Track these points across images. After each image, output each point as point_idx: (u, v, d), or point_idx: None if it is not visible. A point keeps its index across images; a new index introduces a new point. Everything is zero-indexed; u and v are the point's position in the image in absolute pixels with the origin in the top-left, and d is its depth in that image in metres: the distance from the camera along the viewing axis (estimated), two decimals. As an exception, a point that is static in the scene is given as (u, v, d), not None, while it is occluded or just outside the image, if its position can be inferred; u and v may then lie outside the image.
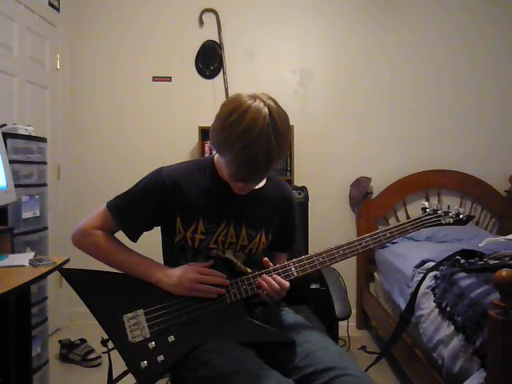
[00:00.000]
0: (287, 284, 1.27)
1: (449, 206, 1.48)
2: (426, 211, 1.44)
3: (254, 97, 1.17)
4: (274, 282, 1.25)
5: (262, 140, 1.12)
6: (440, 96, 3.46)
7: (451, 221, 1.44)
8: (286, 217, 1.47)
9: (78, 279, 1.31)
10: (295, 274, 1.29)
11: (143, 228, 1.37)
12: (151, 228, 1.39)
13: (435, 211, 1.44)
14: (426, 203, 1.46)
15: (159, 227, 1.42)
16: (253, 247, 1.37)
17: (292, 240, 1.53)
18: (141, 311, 1.26)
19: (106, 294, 1.29)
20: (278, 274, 1.28)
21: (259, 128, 1.12)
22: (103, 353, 1.29)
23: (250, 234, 1.36)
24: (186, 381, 1.21)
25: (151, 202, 1.32)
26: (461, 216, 1.45)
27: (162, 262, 1.41)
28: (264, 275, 1.27)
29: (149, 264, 1.33)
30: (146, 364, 1.19)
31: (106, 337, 1.27)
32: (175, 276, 1.28)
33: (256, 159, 1.13)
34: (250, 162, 1.14)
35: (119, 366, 1.26)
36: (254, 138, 1.12)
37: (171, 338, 1.22)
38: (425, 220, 1.41)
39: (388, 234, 1.35)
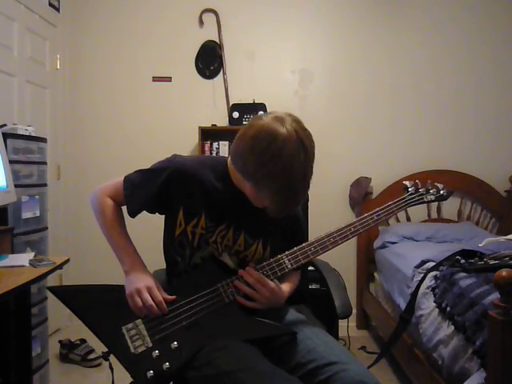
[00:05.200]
0: (269, 283, 1.26)
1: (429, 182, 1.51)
2: (408, 191, 1.46)
3: (281, 121, 1.15)
4: (251, 277, 1.26)
5: (301, 175, 1.15)
6: (440, 96, 3.46)
7: (433, 198, 1.47)
8: (291, 228, 1.46)
9: (70, 296, 1.29)
10: (289, 266, 1.29)
11: (143, 207, 1.39)
12: (153, 211, 1.41)
13: (417, 190, 1.46)
14: (408, 182, 1.48)
15: (163, 221, 1.43)
16: (248, 255, 1.37)
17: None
18: (139, 321, 1.25)
19: (101, 307, 1.27)
20: (272, 268, 1.29)
21: (298, 165, 1.13)
22: (102, 356, 1.28)
23: (247, 240, 1.36)
24: (190, 381, 1.20)
25: (156, 183, 1.33)
26: (441, 192, 1.48)
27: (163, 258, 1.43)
28: (240, 271, 1.28)
29: (130, 253, 1.36)
30: (152, 373, 1.18)
31: (105, 349, 1.26)
32: (135, 276, 1.29)
33: (297, 193, 1.17)
34: (293, 198, 1.18)
35: (121, 370, 1.24)
36: (294, 176, 1.14)
37: (174, 344, 1.21)
38: (408, 199, 1.44)
39: (375, 217, 1.38)
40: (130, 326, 1.24)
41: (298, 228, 1.49)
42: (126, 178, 1.40)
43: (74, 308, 1.27)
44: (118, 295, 1.28)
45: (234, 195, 1.33)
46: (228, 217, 1.34)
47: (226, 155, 1.40)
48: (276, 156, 1.12)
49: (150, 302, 1.24)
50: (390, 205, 1.40)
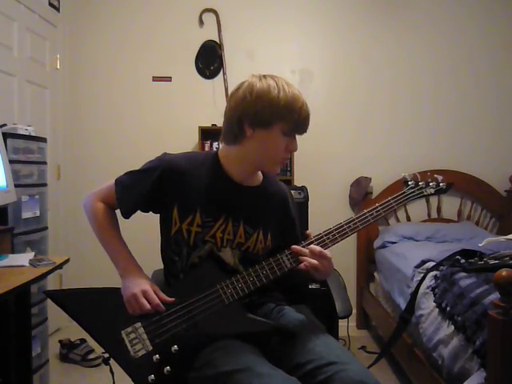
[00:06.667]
0: (328, 254, 1.27)
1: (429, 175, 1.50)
2: (408, 184, 1.44)
3: (261, 75, 1.46)
4: (306, 250, 1.26)
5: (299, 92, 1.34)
6: (440, 96, 3.46)
7: (432, 191, 1.45)
8: (285, 218, 1.46)
9: (67, 301, 1.28)
10: (288, 265, 1.28)
11: (135, 207, 1.39)
12: (146, 210, 1.41)
13: (417, 183, 1.44)
14: (407, 175, 1.46)
15: (159, 220, 1.42)
16: (250, 245, 1.36)
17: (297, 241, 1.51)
18: (139, 324, 1.24)
19: (100, 311, 1.26)
20: (271, 268, 1.28)
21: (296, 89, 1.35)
22: (102, 361, 1.27)
23: (247, 231, 1.36)
24: (190, 381, 1.20)
25: (147, 182, 1.34)
26: (441, 185, 1.46)
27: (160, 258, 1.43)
28: (294, 246, 1.27)
29: (124, 256, 1.35)
30: (153, 378, 1.17)
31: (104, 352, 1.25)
32: (130, 280, 1.29)
33: (306, 105, 1.33)
34: (307, 110, 1.32)
35: (121, 371, 1.24)
36: (300, 95, 1.34)
37: (174, 348, 1.21)
38: (408, 194, 1.42)
39: (375, 213, 1.36)
40: (129, 329, 1.24)
41: (294, 226, 1.49)
42: (116, 180, 1.40)
43: (71, 312, 1.26)
44: (116, 298, 1.28)
45: (228, 187, 1.35)
46: (225, 209, 1.34)
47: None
48: (283, 89, 1.32)
49: (147, 306, 1.24)
50: (390, 200, 1.39)
